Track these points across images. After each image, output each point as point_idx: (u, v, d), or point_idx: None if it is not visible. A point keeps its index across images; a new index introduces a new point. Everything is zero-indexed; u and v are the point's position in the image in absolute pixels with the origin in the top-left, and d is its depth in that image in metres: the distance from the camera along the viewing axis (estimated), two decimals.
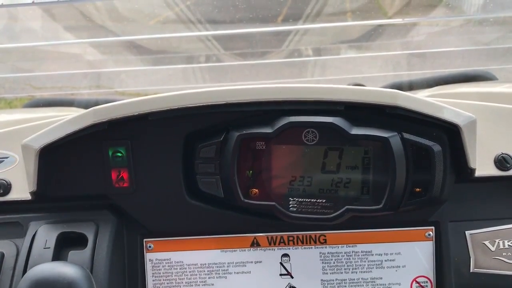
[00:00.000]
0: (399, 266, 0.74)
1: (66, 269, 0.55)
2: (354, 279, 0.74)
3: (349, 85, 1.49)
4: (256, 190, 0.69)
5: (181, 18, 1.89)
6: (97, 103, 1.19)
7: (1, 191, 0.73)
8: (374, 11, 1.82)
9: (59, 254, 0.68)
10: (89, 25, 1.82)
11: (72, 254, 0.67)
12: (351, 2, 1.83)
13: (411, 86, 1.49)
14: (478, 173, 0.69)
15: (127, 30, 1.96)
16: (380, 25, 1.83)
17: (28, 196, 0.71)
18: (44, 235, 0.69)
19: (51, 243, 0.68)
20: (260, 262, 0.75)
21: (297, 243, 0.75)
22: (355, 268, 0.74)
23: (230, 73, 2.34)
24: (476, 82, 1.40)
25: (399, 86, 1.49)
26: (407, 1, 1.82)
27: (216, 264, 0.75)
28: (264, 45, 1.96)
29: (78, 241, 0.69)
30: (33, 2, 1.25)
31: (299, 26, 1.76)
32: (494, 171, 0.71)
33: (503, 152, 0.72)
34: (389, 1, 1.83)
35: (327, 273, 0.75)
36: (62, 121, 0.68)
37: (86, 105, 1.40)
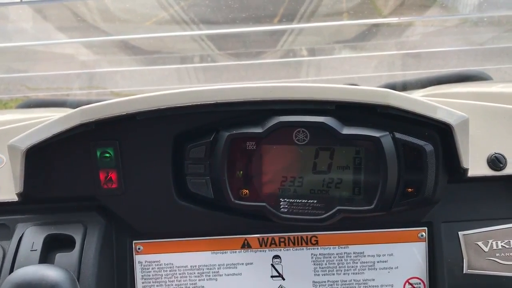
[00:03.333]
0: (392, 267, 0.73)
1: (49, 272, 0.54)
2: (346, 281, 0.74)
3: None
4: (247, 191, 0.68)
5: (175, 19, 1.88)
6: (89, 103, 1.17)
7: None
8: (369, 11, 1.81)
9: (46, 257, 0.67)
10: (82, 26, 1.81)
11: (60, 256, 0.66)
12: (345, 2, 1.83)
13: (405, 86, 1.48)
14: (471, 173, 0.68)
15: (121, 31, 1.95)
16: (375, 25, 1.83)
17: (14, 198, 0.70)
18: (31, 237, 0.68)
19: (38, 245, 0.67)
20: (251, 263, 0.74)
21: (289, 244, 0.74)
22: (347, 270, 0.74)
23: (225, 73, 2.33)
24: (471, 82, 1.39)
25: (394, 86, 1.48)
26: (401, 1, 1.81)
27: (206, 266, 0.74)
28: (259, 46, 1.95)
29: (66, 243, 0.68)
30: (21, 1, 1.24)
31: (294, 25, 1.75)
32: (487, 171, 0.71)
33: (496, 152, 0.71)
34: (384, 1, 1.83)
35: (318, 275, 0.74)
36: (49, 121, 0.67)
37: (77, 105, 1.38)
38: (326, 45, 2.03)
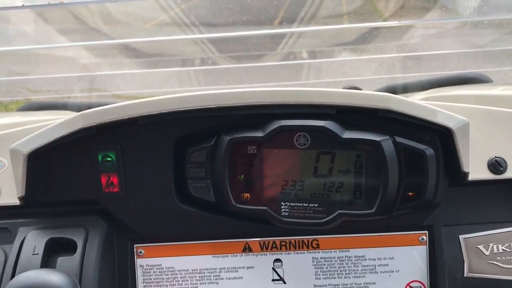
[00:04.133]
0: (393, 271, 0.74)
1: (51, 277, 0.55)
2: (347, 284, 0.74)
3: (344, 87, 1.50)
4: (248, 195, 0.68)
5: (176, 22, 1.88)
6: (90, 106, 1.18)
7: None
8: (369, 14, 1.81)
9: (47, 261, 0.67)
10: (83, 28, 1.81)
11: (61, 260, 0.67)
12: (346, 5, 1.83)
13: (406, 88, 1.49)
14: (471, 177, 0.69)
15: (121, 33, 1.95)
16: (376, 28, 1.83)
17: (16, 202, 0.70)
18: (33, 241, 0.68)
19: (40, 249, 0.67)
20: (252, 267, 0.74)
21: (290, 248, 0.74)
22: (348, 273, 0.74)
23: (226, 76, 2.33)
24: (472, 84, 1.39)
25: (394, 89, 1.48)
26: (402, 4, 1.81)
27: (207, 269, 0.74)
28: (259, 48, 1.95)
29: (68, 247, 0.68)
30: (23, 5, 1.24)
31: (294, 29, 1.75)
32: (487, 175, 0.71)
33: (497, 156, 0.71)
34: (384, 4, 1.83)
35: (320, 278, 0.74)
36: (51, 125, 0.67)
37: (79, 108, 1.39)
38: (327, 47, 2.03)
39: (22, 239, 0.68)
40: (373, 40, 1.96)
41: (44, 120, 0.82)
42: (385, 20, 1.82)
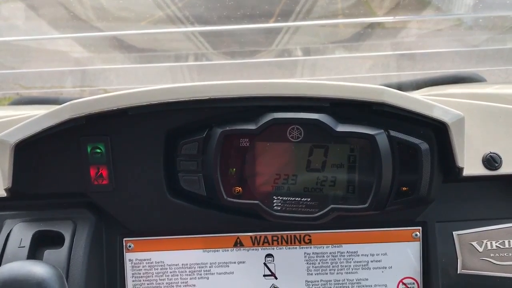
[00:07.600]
0: (386, 267, 0.73)
1: (36, 268, 0.53)
2: (339, 280, 0.73)
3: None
4: (240, 189, 0.67)
5: (171, 18, 1.87)
6: None
7: None
8: (364, 13, 1.81)
9: (34, 253, 0.66)
10: (77, 24, 1.80)
11: (48, 253, 0.65)
12: (341, 4, 1.83)
13: (400, 87, 1.48)
14: (466, 173, 0.68)
15: (116, 30, 1.93)
16: (370, 27, 1.83)
17: (3, 193, 0.68)
18: (19, 233, 0.67)
19: (26, 242, 0.65)
20: (244, 262, 0.73)
21: (282, 243, 0.73)
22: (341, 269, 0.73)
23: (220, 74, 2.32)
24: (466, 83, 1.39)
25: (388, 87, 1.47)
26: (395, 4, 1.81)
27: (198, 264, 0.73)
28: (254, 45, 1.94)
29: (55, 240, 0.67)
30: None
31: (288, 23, 1.74)
32: (482, 171, 0.70)
33: (491, 151, 0.70)
34: (378, 3, 1.83)
35: (312, 274, 0.73)
36: (38, 115, 0.66)
37: None
38: (321, 45, 2.02)
39: (8, 232, 0.67)
40: (367, 38, 1.96)
41: (35, 114, 0.80)
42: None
